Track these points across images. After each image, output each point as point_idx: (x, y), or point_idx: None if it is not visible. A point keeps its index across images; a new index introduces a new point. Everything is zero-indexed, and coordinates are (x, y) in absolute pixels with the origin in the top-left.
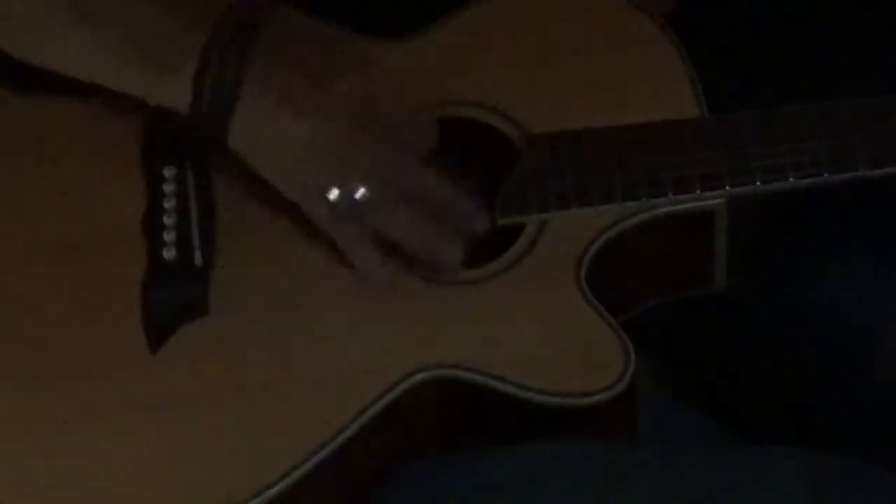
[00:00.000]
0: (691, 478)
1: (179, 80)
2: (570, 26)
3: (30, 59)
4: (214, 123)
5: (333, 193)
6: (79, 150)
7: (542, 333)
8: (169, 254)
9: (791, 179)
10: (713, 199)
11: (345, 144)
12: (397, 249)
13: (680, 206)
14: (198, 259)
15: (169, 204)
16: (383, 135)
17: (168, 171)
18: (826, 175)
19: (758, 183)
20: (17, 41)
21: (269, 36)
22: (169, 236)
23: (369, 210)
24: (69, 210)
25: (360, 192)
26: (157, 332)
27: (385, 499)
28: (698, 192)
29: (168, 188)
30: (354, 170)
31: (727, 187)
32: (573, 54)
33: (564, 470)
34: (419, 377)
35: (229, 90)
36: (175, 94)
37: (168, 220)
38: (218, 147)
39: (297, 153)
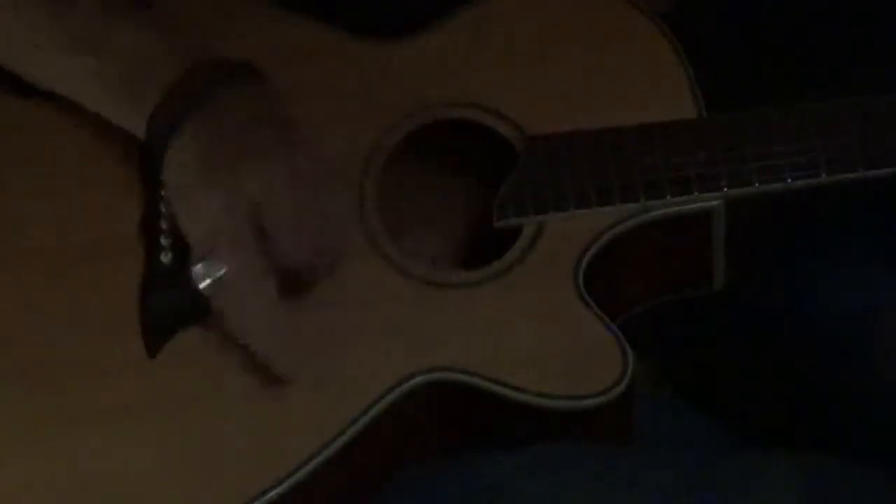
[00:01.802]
0: (688, 479)
1: (141, 114)
2: (567, 27)
3: (7, 66)
4: (156, 156)
5: (200, 265)
6: (77, 154)
7: (540, 336)
8: (166, 258)
9: (789, 181)
10: (711, 201)
11: (226, 239)
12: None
13: (678, 208)
14: None
15: (166, 208)
16: (261, 244)
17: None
18: (823, 176)
19: (756, 184)
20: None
21: (221, 100)
22: (166, 241)
23: (224, 291)
24: (67, 214)
25: (223, 272)
26: (155, 336)
27: (384, 501)
28: (696, 193)
29: (165, 192)
30: (223, 253)
31: (725, 188)
32: (571, 55)
33: (562, 471)
34: (417, 380)
35: (167, 132)
36: (134, 124)
37: (165, 225)
38: None
39: (192, 217)
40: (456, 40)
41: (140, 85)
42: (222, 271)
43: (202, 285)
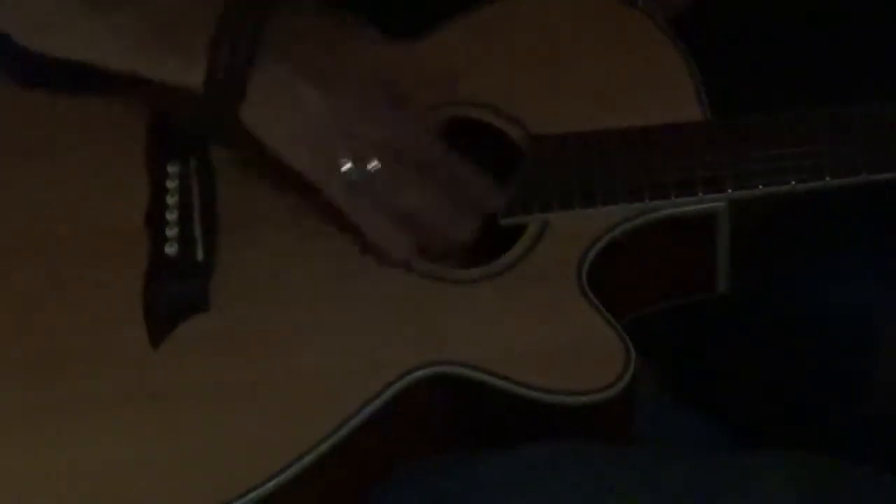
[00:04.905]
0: (688, 479)
1: (192, 57)
2: (574, 28)
3: (37, 46)
4: (227, 98)
5: (346, 165)
6: (82, 145)
7: (543, 332)
8: (171, 249)
9: (793, 184)
10: (715, 202)
11: (358, 115)
12: (410, 224)
13: (682, 209)
14: (199, 254)
15: (172, 199)
16: (396, 108)
17: (171, 167)
18: (828, 179)
19: (760, 187)
20: (25, 28)
21: (282, 12)
22: (171, 232)
23: (382, 182)
24: (72, 205)
25: (373, 164)
26: (159, 327)
27: (383, 498)
28: (701, 195)
29: (171, 184)
30: (367, 141)
31: (729, 190)
32: (578, 56)
33: (562, 471)
34: (419, 374)
35: (242, 62)
36: (187, 71)
37: (170, 216)
38: (229, 126)
39: (310, 121)
40: (463, 41)
41: (184, 29)
42: (372, 163)
43: (357, 187)
